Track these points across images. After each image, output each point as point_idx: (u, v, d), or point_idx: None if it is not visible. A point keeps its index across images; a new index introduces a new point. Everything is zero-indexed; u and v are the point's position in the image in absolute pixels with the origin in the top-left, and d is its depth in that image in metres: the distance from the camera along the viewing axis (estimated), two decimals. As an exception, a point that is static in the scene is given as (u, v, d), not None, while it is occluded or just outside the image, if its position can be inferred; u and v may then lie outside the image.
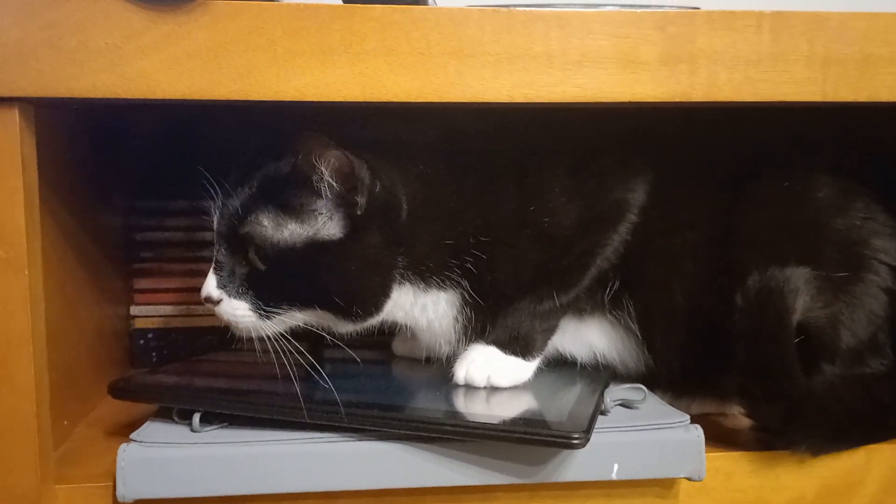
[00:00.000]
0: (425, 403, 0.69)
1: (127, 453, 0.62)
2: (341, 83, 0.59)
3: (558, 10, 0.61)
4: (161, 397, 0.69)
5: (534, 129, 0.74)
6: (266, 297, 0.69)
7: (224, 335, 0.92)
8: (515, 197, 0.72)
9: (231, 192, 0.70)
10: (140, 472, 0.62)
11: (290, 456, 0.63)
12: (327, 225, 0.69)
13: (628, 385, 0.72)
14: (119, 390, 0.69)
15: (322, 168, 0.67)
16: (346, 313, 0.70)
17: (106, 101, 0.60)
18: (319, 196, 0.68)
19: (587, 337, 0.78)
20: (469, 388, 0.72)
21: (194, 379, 0.78)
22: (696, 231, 0.75)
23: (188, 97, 0.59)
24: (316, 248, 0.69)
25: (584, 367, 0.80)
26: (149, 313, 0.97)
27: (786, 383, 0.66)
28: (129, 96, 0.59)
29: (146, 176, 0.98)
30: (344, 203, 0.68)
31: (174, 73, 0.59)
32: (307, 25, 0.59)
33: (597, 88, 0.62)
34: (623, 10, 0.61)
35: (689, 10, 0.62)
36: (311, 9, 0.59)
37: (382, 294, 0.71)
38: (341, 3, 0.62)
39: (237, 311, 0.70)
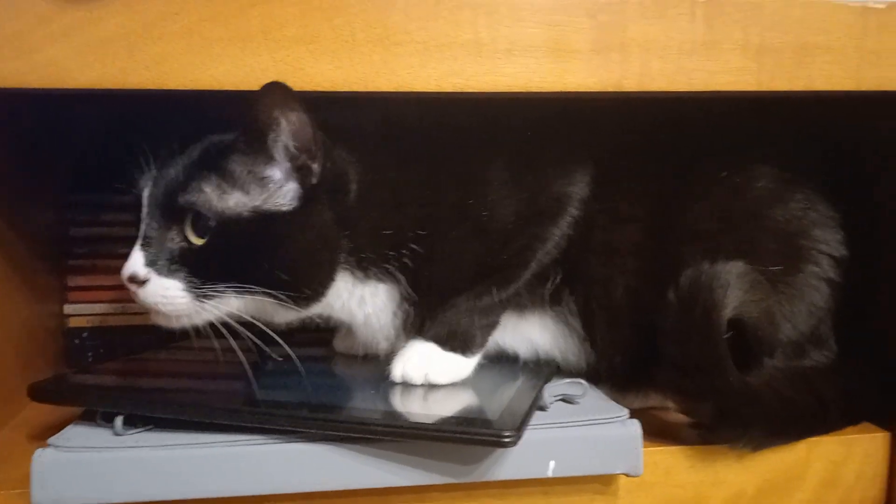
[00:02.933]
0: (358, 403, 0.68)
1: (42, 458, 0.59)
2: (261, 71, 0.57)
3: (485, -4, 0.60)
4: (82, 399, 0.67)
5: (474, 121, 0.72)
6: (203, 275, 0.64)
7: (161, 333, 0.93)
8: (455, 190, 0.70)
9: (168, 163, 0.66)
10: (57, 477, 0.59)
11: (216, 459, 0.61)
12: (277, 194, 0.65)
13: (569, 380, 0.71)
14: (39, 392, 0.66)
15: (283, 124, 0.63)
16: (291, 294, 0.65)
17: (15, 90, 0.57)
18: (272, 160, 0.64)
19: (528, 332, 0.77)
20: (406, 385, 0.70)
21: (121, 379, 0.75)
22: (637, 225, 0.74)
23: (100, 86, 0.56)
24: (263, 219, 0.64)
25: (526, 362, 0.78)
26: (84, 311, 0.94)
27: (717, 380, 0.66)
28: (39, 85, 0.57)
29: (80, 169, 0.95)
30: (298, 170, 0.65)
31: (85, 61, 0.56)
32: (224, 11, 0.57)
33: (527, 77, 0.61)
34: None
35: (619, 0, 0.60)
36: (229, -6, 0.57)
37: (329, 274, 0.68)
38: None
39: (168, 290, 0.64)
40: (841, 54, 0.64)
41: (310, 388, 0.71)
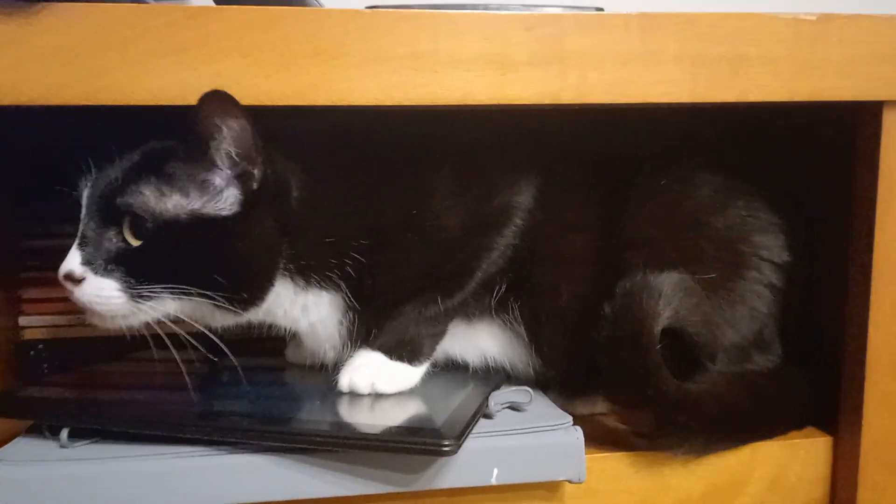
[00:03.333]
0: (305, 413, 0.68)
1: (-14, 473, 0.59)
2: (197, 86, 0.58)
3: (426, 10, 0.60)
4: (28, 412, 0.67)
5: (420, 132, 0.73)
6: (139, 275, 0.64)
7: (119, 345, 0.92)
8: (399, 200, 0.71)
9: (107, 166, 0.66)
10: (2, 491, 0.59)
11: (161, 472, 0.61)
12: (217, 199, 0.65)
13: (515, 387, 0.72)
14: (-16, 406, 0.66)
15: (225, 132, 0.63)
16: (228, 297, 0.65)
17: None
18: (213, 165, 0.65)
19: (477, 341, 0.77)
20: (354, 395, 0.71)
21: (69, 392, 0.75)
22: (581, 233, 0.75)
23: (35, 101, 0.57)
24: (202, 223, 0.65)
25: (476, 371, 0.79)
26: (39, 323, 0.93)
27: (650, 390, 0.67)
28: None
29: (31, 181, 0.93)
30: (239, 177, 0.65)
31: (18, 76, 0.56)
32: (158, 26, 0.57)
33: (466, 90, 0.61)
34: (490, 11, 0.61)
35: (556, 14, 0.61)
36: (164, 9, 0.57)
37: (267, 280, 0.68)
38: (213, 3, 0.60)
39: (103, 290, 0.64)
40: (774, 65, 0.65)
41: (257, 398, 0.72)
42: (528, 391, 0.71)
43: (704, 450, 0.70)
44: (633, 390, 0.68)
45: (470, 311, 0.75)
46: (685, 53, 0.64)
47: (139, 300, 0.64)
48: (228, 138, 0.64)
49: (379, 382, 0.71)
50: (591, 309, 0.72)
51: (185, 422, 0.63)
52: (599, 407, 0.77)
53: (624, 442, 0.71)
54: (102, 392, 0.77)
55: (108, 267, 0.64)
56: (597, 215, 0.75)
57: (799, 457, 0.73)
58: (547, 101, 0.62)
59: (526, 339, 0.76)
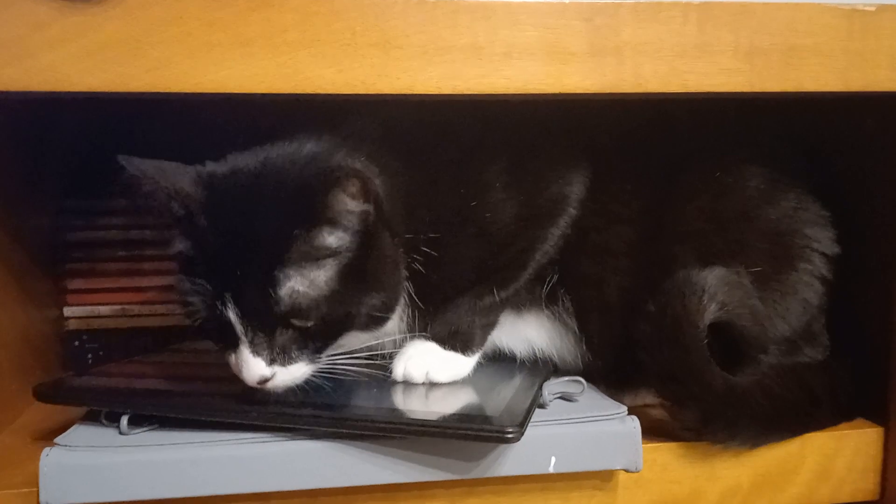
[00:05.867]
0: (361, 401, 0.68)
1: (50, 458, 0.60)
2: (263, 75, 0.58)
3: (481, 1, 0.61)
4: (88, 399, 0.67)
5: (476, 124, 0.73)
6: (319, 344, 0.66)
7: (160, 336, 0.94)
8: (458, 193, 0.71)
9: (233, 281, 0.63)
10: (64, 477, 0.60)
11: (221, 457, 0.62)
12: (351, 247, 0.65)
13: (567, 378, 0.72)
14: (45, 393, 0.67)
15: (346, 200, 0.63)
16: (379, 318, 0.68)
17: (13, 94, 0.58)
18: (342, 228, 0.64)
19: (526, 332, 0.78)
20: (408, 383, 0.71)
21: (124, 380, 0.76)
22: (630, 225, 0.75)
23: (100, 90, 0.57)
24: (348, 272, 0.65)
25: (523, 361, 0.79)
26: (83, 314, 0.94)
27: (695, 387, 0.67)
28: (38, 89, 0.57)
29: (75, 174, 0.95)
30: (360, 218, 0.65)
31: (84, 66, 0.57)
32: (224, 16, 0.58)
33: (524, 80, 0.62)
34: (549, 1, 0.61)
35: (613, 3, 0.62)
36: (228, 0, 0.57)
37: (400, 284, 0.70)
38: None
39: (296, 373, 0.66)
40: (829, 55, 0.65)
41: (313, 385, 0.72)
42: (580, 382, 0.71)
43: (754, 443, 0.70)
44: (680, 386, 0.68)
45: (521, 301, 0.76)
46: (740, 44, 0.64)
47: (319, 359, 0.67)
48: (350, 199, 0.63)
49: (433, 371, 0.71)
50: (638, 301, 0.72)
51: (244, 409, 0.64)
52: (647, 398, 0.77)
53: (672, 432, 0.72)
54: (156, 380, 0.78)
55: (292, 354, 0.65)
56: (645, 207, 0.75)
57: (849, 447, 0.73)
58: (605, 91, 0.63)
59: (575, 331, 0.76)
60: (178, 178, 0.65)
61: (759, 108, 0.76)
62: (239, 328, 0.63)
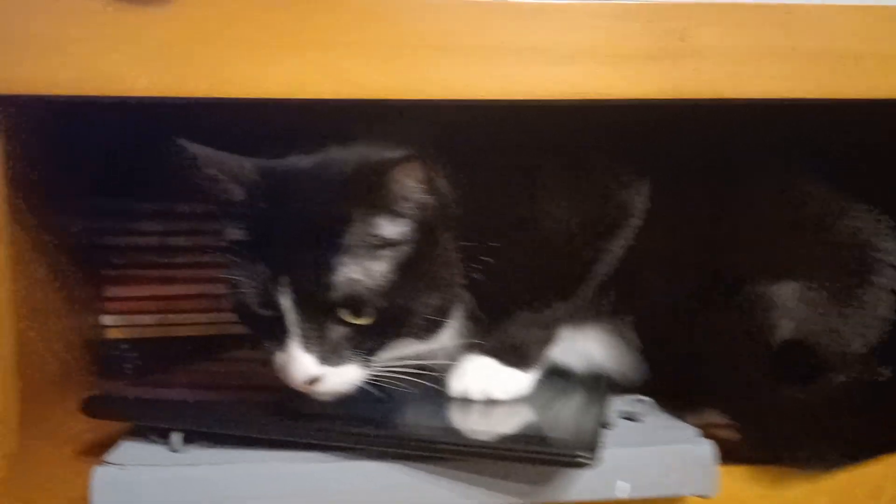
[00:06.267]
0: (418, 419, 0.66)
1: (101, 476, 0.57)
2: (320, 79, 0.57)
3: (541, 3, 0.58)
4: (140, 415, 0.65)
5: (536, 129, 0.70)
6: (372, 345, 0.63)
7: (204, 344, 0.92)
8: (518, 201, 0.68)
9: (289, 265, 0.61)
10: (116, 496, 0.57)
11: (278, 476, 0.59)
12: (410, 240, 0.63)
13: (632, 396, 0.69)
14: (93, 408, 0.64)
15: (408, 183, 0.61)
16: (434, 324, 0.65)
17: (68, 98, 0.57)
18: (403, 217, 0.62)
19: (584, 346, 0.75)
20: (464, 400, 0.68)
21: (172, 393, 0.73)
22: (695, 236, 0.72)
23: (155, 94, 0.56)
24: (406, 268, 0.62)
25: (581, 377, 0.76)
26: (122, 322, 0.93)
27: (768, 406, 0.65)
28: (95, 93, 0.56)
29: (116, 177, 0.93)
30: (421, 208, 0.62)
31: (140, 69, 0.56)
32: (279, 20, 0.56)
33: (588, 84, 0.60)
34: (611, 2, 0.58)
35: (679, 3, 0.59)
36: (287, 2, 0.56)
37: (456, 287, 0.67)
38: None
39: (347, 376, 0.63)
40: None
41: (367, 402, 0.69)
42: (646, 401, 0.68)
43: (832, 466, 0.66)
44: (750, 406, 0.65)
45: (580, 314, 0.73)
46: (807, 47, 0.61)
47: (372, 363, 0.64)
48: (415, 188, 0.61)
49: (492, 388, 0.68)
50: (705, 317, 0.69)
51: (298, 426, 0.61)
52: (713, 418, 0.73)
53: (741, 455, 0.68)
54: (205, 393, 0.75)
55: (344, 354, 0.62)
56: (712, 217, 0.72)
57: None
58: (671, 96, 0.60)
59: (635, 346, 0.73)
60: (240, 161, 0.63)
61: (827, 114, 0.73)
62: (291, 317, 0.61)
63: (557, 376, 0.75)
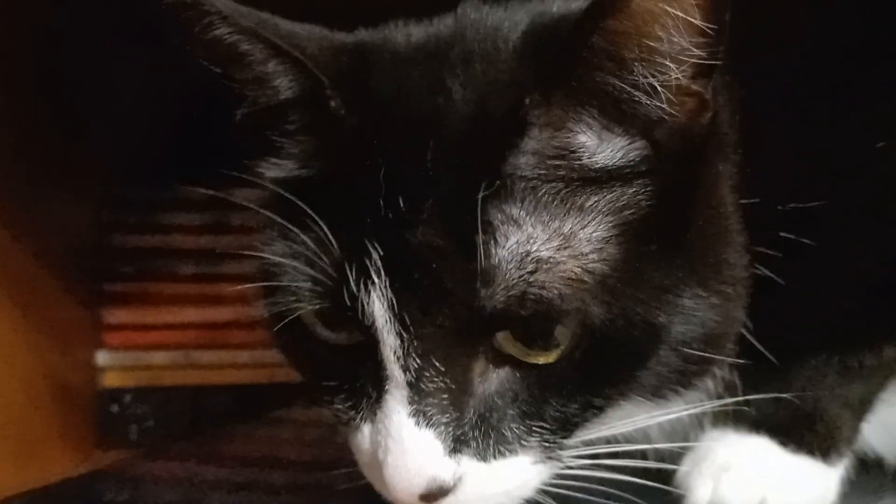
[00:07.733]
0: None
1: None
2: None
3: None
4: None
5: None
6: (569, 414, 0.36)
7: (243, 395, 0.69)
8: (847, 129, 0.41)
9: (389, 227, 0.34)
10: None
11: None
12: (655, 182, 0.35)
13: None
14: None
15: (664, 53, 0.33)
16: (703, 363, 0.37)
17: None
18: (639, 128, 0.35)
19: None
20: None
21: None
22: None
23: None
24: (647, 236, 0.35)
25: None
26: (124, 362, 0.70)
27: None
28: None
29: (126, 157, 0.73)
30: (679, 109, 0.35)
31: None
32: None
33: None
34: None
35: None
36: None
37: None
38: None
39: (509, 480, 0.36)
40: None
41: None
42: None
43: None
44: None
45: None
46: None
47: (564, 449, 0.37)
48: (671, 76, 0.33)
49: (774, 495, 0.41)
50: None
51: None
52: None
53: None
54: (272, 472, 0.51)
55: (506, 431, 0.36)
56: None
57: None
58: None
59: None
60: (299, 32, 0.39)
61: None
62: (390, 343, 0.34)
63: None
